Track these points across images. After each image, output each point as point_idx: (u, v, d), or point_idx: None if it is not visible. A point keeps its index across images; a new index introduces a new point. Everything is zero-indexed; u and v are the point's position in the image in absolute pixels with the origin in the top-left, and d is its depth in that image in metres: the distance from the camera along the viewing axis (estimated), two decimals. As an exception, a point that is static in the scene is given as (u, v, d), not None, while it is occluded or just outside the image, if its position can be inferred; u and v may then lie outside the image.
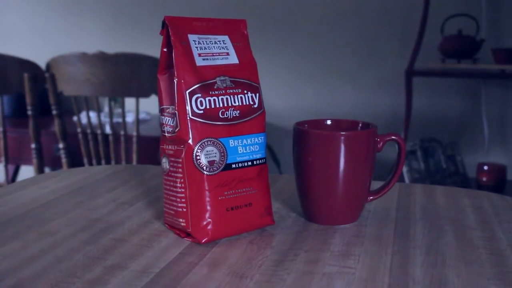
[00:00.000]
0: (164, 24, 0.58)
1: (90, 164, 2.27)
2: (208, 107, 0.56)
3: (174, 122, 0.57)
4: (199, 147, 0.55)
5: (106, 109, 2.30)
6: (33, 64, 2.29)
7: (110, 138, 2.20)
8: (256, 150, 0.59)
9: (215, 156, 0.56)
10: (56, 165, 2.34)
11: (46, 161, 2.35)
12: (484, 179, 2.13)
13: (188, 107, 0.55)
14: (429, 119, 2.37)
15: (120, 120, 2.41)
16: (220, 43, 0.60)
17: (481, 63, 2.16)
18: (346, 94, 2.42)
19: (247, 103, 0.58)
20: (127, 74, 2.04)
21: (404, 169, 2.17)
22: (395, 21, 2.33)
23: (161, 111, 0.59)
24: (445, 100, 2.35)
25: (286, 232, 0.61)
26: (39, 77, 2.14)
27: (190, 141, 0.55)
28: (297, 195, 0.66)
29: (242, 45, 0.61)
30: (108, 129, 2.25)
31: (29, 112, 2.14)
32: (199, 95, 0.56)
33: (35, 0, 2.86)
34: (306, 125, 0.66)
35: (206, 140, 0.56)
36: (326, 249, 0.56)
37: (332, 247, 0.57)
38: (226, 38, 0.60)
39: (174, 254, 0.54)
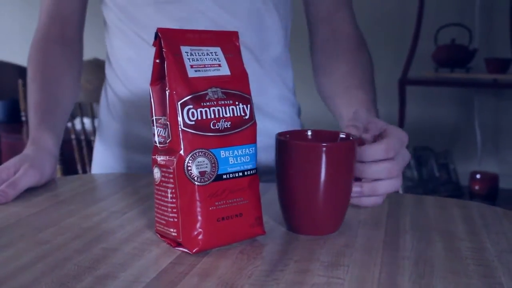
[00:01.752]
0: (156, 36, 0.58)
1: (84, 171, 2.27)
2: (199, 118, 0.57)
3: (166, 133, 0.57)
4: (191, 158, 0.56)
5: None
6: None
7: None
8: (247, 161, 0.59)
9: (206, 167, 0.57)
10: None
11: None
12: (477, 187, 2.14)
13: (179, 118, 0.56)
14: (422, 128, 2.39)
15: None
16: (212, 55, 0.60)
17: (474, 72, 2.18)
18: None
19: (238, 114, 0.59)
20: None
21: (397, 177, 2.18)
22: (388, 30, 2.35)
23: (153, 121, 0.60)
24: (438, 109, 2.37)
25: (277, 242, 0.62)
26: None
27: (181, 152, 0.56)
28: (279, 206, 0.66)
29: (234, 57, 0.62)
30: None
31: (23, 118, 2.14)
32: (191, 106, 0.56)
33: (29, 6, 2.86)
34: (287, 136, 0.66)
35: (197, 151, 0.56)
36: (315, 259, 0.56)
37: (321, 257, 0.57)
38: (218, 49, 0.61)
39: (165, 264, 0.55)
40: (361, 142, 0.66)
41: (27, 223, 0.66)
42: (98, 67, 2.00)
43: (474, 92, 2.32)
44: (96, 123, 2.26)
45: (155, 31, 0.81)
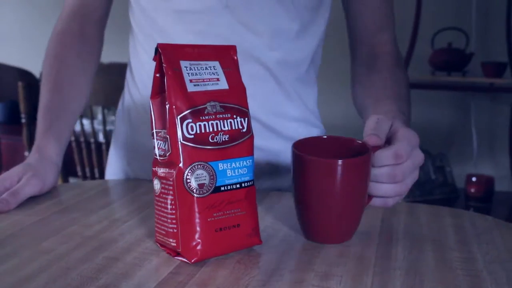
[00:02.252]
0: (156, 51, 0.60)
1: (83, 172, 2.28)
2: (198, 132, 0.58)
3: (166, 146, 0.59)
4: (190, 171, 0.58)
5: (99, 116, 2.32)
6: (28, 73, 2.31)
7: (104, 146, 2.21)
8: (244, 173, 0.61)
9: (205, 179, 0.58)
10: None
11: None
12: (472, 190, 2.16)
13: (179, 132, 0.57)
14: (419, 130, 2.39)
15: (113, 127, 2.42)
16: (210, 69, 0.62)
17: (470, 76, 2.19)
18: (338, 106, 2.45)
19: (236, 127, 0.61)
20: (120, 84, 2.06)
21: (394, 180, 2.20)
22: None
23: (153, 134, 0.61)
24: (435, 111, 2.39)
25: (273, 251, 0.63)
26: (33, 85, 2.15)
27: (180, 165, 0.57)
28: (296, 214, 0.68)
29: (232, 71, 0.64)
30: (101, 137, 2.27)
31: (23, 120, 2.15)
32: (190, 120, 0.58)
33: (30, 7, 2.88)
34: (302, 146, 0.66)
35: (196, 164, 0.58)
36: (310, 269, 0.58)
37: (316, 267, 0.59)
38: (216, 63, 0.63)
39: (164, 274, 0.57)
40: (376, 148, 0.66)
41: (30, 232, 0.68)
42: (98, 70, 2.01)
43: (470, 96, 2.34)
44: (95, 125, 2.27)
45: (176, 41, 0.82)
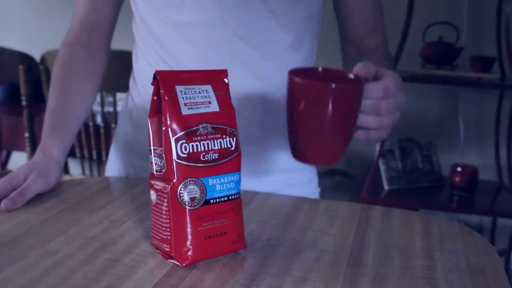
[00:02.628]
0: (155, 77, 0.67)
1: (82, 154, 2.35)
2: (191, 151, 0.65)
3: (162, 163, 0.66)
4: (183, 186, 0.65)
5: (97, 98, 2.38)
6: (28, 56, 2.36)
7: (102, 130, 2.28)
8: (231, 187, 0.68)
9: (196, 193, 0.66)
10: (48, 153, 2.42)
11: (39, 149, 2.42)
12: (457, 179, 2.24)
13: (174, 152, 0.64)
14: (408, 120, 2.48)
15: (111, 109, 2.48)
16: (203, 93, 0.69)
17: (459, 70, 2.26)
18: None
19: (225, 146, 0.68)
20: (118, 70, 2.12)
21: (382, 167, 2.28)
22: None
23: (151, 151, 0.68)
24: (424, 102, 2.46)
25: (256, 255, 0.71)
26: (33, 69, 2.21)
27: (174, 181, 0.65)
28: (288, 138, 0.75)
29: (223, 94, 0.70)
30: (99, 120, 2.33)
31: (24, 103, 2.22)
32: (184, 141, 0.65)
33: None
34: (299, 74, 0.72)
35: (188, 179, 0.65)
36: (288, 274, 0.66)
37: (294, 272, 0.67)
38: (209, 87, 0.70)
39: (159, 276, 0.64)
40: (366, 80, 0.73)
41: (37, 232, 0.75)
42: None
43: (458, 88, 2.41)
44: (94, 107, 2.33)
45: (173, 51, 0.89)
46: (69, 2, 2.85)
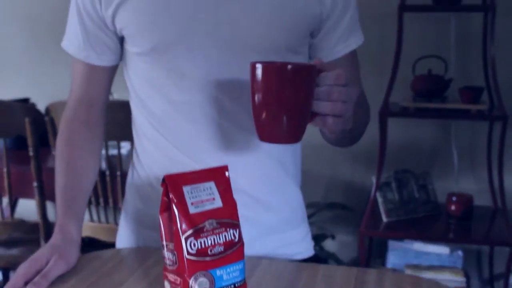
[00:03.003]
0: (164, 180, 0.75)
1: (89, 200, 2.42)
2: (199, 247, 0.73)
3: (174, 258, 0.74)
4: (193, 279, 0.73)
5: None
6: (33, 109, 2.44)
7: (108, 178, 2.35)
8: (237, 275, 0.76)
9: (206, 284, 0.73)
10: (56, 199, 2.49)
11: (48, 195, 2.49)
12: (453, 208, 2.32)
13: (184, 249, 0.72)
14: (402, 151, 2.56)
15: (115, 152, 2.54)
16: (207, 190, 0.77)
17: (449, 102, 2.34)
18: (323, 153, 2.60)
19: (230, 239, 0.76)
20: (122, 120, 2.20)
21: (379, 200, 2.36)
22: (369, 60, 2.49)
23: (163, 246, 0.76)
24: (417, 132, 2.54)
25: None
26: (39, 121, 2.29)
27: (186, 275, 0.72)
28: (253, 120, 0.85)
29: (224, 188, 0.78)
30: (104, 166, 2.40)
31: (31, 153, 2.29)
32: (193, 238, 0.73)
33: (27, 38, 3.01)
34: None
35: (198, 273, 0.73)
36: None
37: None
38: (212, 184, 0.78)
39: None
40: (321, 70, 0.84)
41: (63, 317, 0.83)
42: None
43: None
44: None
45: (172, 128, 1.03)
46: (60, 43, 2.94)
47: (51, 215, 2.55)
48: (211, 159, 1.01)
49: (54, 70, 2.98)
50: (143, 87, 1.08)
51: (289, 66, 0.80)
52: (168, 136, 1.06)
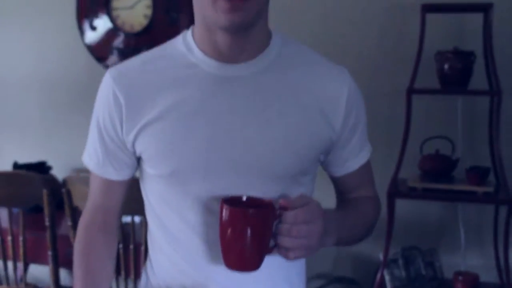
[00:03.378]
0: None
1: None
2: None
3: None
4: None
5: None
6: (51, 179, 2.51)
7: (121, 250, 2.40)
8: None
9: None
10: (70, 267, 2.54)
11: (61, 262, 2.53)
12: (459, 287, 2.35)
13: None
14: (409, 228, 2.60)
15: (128, 219, 2.59)
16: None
17: (456, 182, 2.38)
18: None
19: None
20: (136, 196, 2.26)
21: (387, 277, 2.39)
22: (378, 137, 2.55)
23: None
24: (424, 210, 2.59)
25: None
26: (56, 192, 2.36)
27: None
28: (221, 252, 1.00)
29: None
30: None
31: (47, 224, 2.35)
32: None
33: (46, 107, 3.11)
34: (230, 202, 0.99)
35: None
36: None
37: None
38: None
39: None
40: (285, 208, 0.96)
41: None
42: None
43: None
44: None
45: (187, 248, 1.11)
46: (77, 108, 3.01)
47: (62, 280, 2.60)
48: (223, 278, 1.07)
49: (70, 133, 3.07)
50: (159, 205, 1.14)
51: (251, 211, 0.95)
52: (184, 255, 1.12)
